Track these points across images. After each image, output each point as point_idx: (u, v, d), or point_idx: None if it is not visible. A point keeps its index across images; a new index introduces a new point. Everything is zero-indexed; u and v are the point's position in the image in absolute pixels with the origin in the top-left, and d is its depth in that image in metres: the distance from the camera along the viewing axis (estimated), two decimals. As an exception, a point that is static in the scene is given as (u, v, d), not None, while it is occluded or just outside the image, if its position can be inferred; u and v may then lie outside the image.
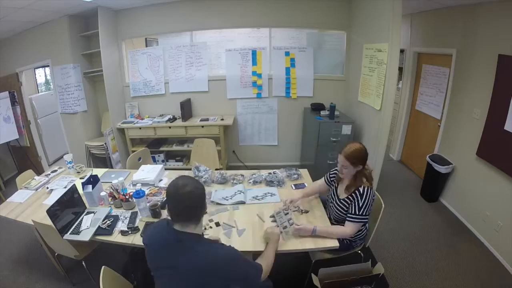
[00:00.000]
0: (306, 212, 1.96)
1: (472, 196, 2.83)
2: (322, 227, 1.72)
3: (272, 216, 1.89)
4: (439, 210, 3.19)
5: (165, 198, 2.13)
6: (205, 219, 1.89)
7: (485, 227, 2.64)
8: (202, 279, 1.15)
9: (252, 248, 1.65)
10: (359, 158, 1.71)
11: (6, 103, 3.82)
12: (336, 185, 1.95)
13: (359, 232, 1.85)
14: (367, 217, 1.71)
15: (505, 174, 2.36)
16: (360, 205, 1.68)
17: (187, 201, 1.16)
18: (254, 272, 1.31)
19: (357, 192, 1.72)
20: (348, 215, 1.73)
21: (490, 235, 2.58)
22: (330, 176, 2.05)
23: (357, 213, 1.69)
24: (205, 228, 1.82)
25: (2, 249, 2.72)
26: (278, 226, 1.76)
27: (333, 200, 1.91)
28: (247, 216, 1.94)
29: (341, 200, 1.83)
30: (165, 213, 1.98)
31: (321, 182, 2.12)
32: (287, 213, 1.84)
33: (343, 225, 1.78)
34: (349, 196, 1.77)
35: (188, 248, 1.17)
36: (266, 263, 1.41)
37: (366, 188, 1.70)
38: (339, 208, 1.83)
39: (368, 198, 1.69)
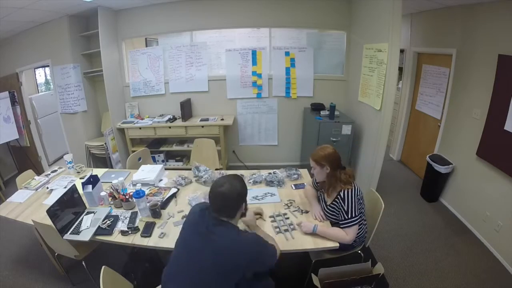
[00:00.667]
0: (306, 212, 1.96)
1: (472, 196, 2.83)
2: (322, 227, 1.74)
3: (272, 217, 1.90)
4: (439, 210, 3.19)
5: (164, 199, 2.14)
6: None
7: (485, 227, 2.64)
8: (223, 257, 1.24)
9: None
10: (324, 159, 1.74)
11: (6, 103, 3.82)
12: (324, 192, 1.95)
13: (358, 232, 1.85)
14: (358, 217, 1.70)
15: (505, 174, 2.36)
16: (346, 209, 1.70)
17: (219, 200, 1.30)
18: (270, 254, 1.39)
19: (339, 197, 1.75)
20: (341, 223, 1.74)
21: (490, 235, 2.58)
22: (316, 181, 2.00)
23: (346, 218, 1.70)
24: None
25: (2, 249, 2.72)
26: (277, 228, 1.79)
27: (323, 206, 1.92)
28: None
29: (328, 206, 1.84)
30: (165, 213, 1.99)
31: (310, 188, 2.10)
32: (288, 218, 1.88)
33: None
34: (333, 202, 1.79)
35: (218, 230, 1.29)
36: (272, 241, 1.50)
37: (346, 192, 1.71)
38: (328, 214, 1.85)
39: (352, 200, 1.70)
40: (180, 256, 1.36)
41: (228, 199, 1.30)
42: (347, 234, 1.69)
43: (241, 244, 1.29)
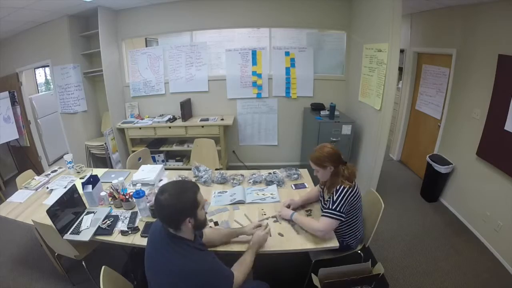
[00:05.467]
0: (309, 211, 1.96)
1: (472, 196, 2.83)
2: (300, 216, 1.78)
3: (274, 217, 1.90)
4: (439, 210, 3.19)
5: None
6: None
7: (485, 227, 2.64)
8: (172, 283, 1.18)
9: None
10: (326, 160, 1.71)
11: (6, 103, 3.82)
12: (323, 188, 1.94)
13: (353, 233, 1.86)
14: (340, 214, 1.66)
15: (505, 174, 2.36)
16: (335, 199, 1.67)
17: (157, 209, 1.20)
18: (225, 283, 1.27)
19: (334, 191, 1.72)
20: (323, 210, 1.73)
21: (490, 235, 2.58)
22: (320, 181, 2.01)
23: (330, 207, 1.67)
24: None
25: (2, 249, 2.72)
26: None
27: (321, 202, 1.92)
28: (247, 216, 1.94)
29: (325, 201, 1.82)
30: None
31: (317, 187, 2.11)
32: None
33: (338, 227, 1.79)
34: (330, 196, 1.76)
35: (166, 249, 1.22)
36: (242, 269, 1.39)
37: (343, 187, 1.69)
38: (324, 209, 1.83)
39: (344, 195, 1.67)
40: (148, 276, 1.31)
41: (165, 211, 1.17)
42: (320, 223, 1.66)
43: (188, 263, 1.19)
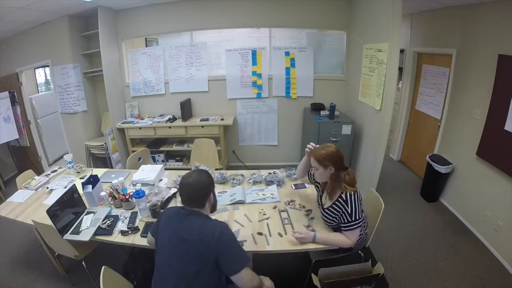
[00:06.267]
0: (309, 211, 1.96)
1: (472, 196, 2.83)
2: (322, 235, 1.69)
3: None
4: (439, 210, 3.19)
5: (164, 198, 2.14)
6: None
7: (485, 227, 2.64)
8: (195, 246, 1.29)
9: (252, 248, 1.65)
10: (328, 160, 1.66)
11: (6, 103, 3.82)
12: (321, 194, 1.89)
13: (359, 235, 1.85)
14: (360, 220, 1.65)
15: (505, 174, 2.36)
16: (349, 211, 1.63)
17: (187, 190, 1.38)
18: (239, 255, 1.34)
19: (340, 200, 1.66)
20: (342, 226, 1.68)
21: (490, 235, 2.58)
22: (314, 181, 1.95)
23: (350, 220, 1.63)
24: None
25: (2, 249, 2.72)
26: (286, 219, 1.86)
27: (319, 208, 1.87)
28: (247, 216, 1.94)
29: (326, 210, 1.76)
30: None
31: (305, 174, 2.07)
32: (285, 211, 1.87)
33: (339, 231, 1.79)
34: (333, 205, 1.71)
35: (190, 219, 1.36)
36: (255, 278, 1.38)
37: (348, 194, 1.64)
38: (325, 218, 1.79)
39: (355, 203, 1.63)
40: (163, 258, 1.39)
41: (195, 189, 1.37)
42: (349, 238, 1.65)
43: (208, 226, 1.33)
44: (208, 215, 1.45)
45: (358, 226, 1.65)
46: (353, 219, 1.63)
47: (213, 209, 1.52)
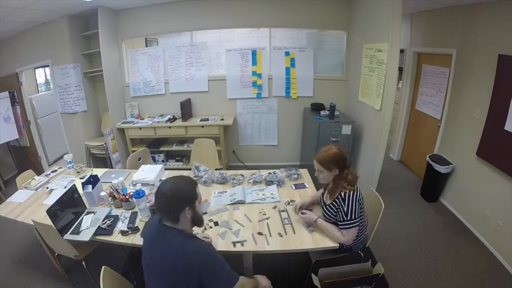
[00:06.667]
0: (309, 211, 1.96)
1: (472, 196, 2.83)
2: (322, 222, 1.74)
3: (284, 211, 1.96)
4: (439, 210, 3.19)
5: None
6: (205, 219, 1.88)
7: (485, 227, 2.64)
8: (173, 272, 1.17)
9: (252, 248, 1.65)
10: (333, 162, 1.67)
11: (6, 103, 3.82)
12: (324, 191, 1.91)
13: (357, 237, 1.85)
14: (357, 220, 1.66)
15: (505, 174, 2.36)
16: (346, 210, 1.65)
17: (159, 199, 1.23)
18: (226, 278, 1.23)
19: (339, 197, 1.69)
20: (339, 223, 1.70)
21: (490, 235, 2.58)
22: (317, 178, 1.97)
23: (345, 219, 1.65)
24: (205, 228, 1.82)
25: (2, 249, 2.72)
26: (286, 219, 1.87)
27: (322, 206, 1.90)
28: (247, 216, 1.94)
29: (327, 206, 1.79)
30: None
31: (320, 191, 2.08)
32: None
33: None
34: (333, 202, 1.74)
35: (168, 237, 1.22)
36: (248, 284, 1.36)
37: (347, 194, 1.66)
38: (326, 214, 1.81)
39: (352, 202, 1.65)
40: (146, 274, 1.31)
41: (168, 198, 1.21)
42: (343, 235, 1.66)
43: (187, 251, 1.18)
44: (187, 231, 1.28)
45: (354, 226, 1.66)
46: (348, 218, 1.65)
47: (197, 225, 1.33)
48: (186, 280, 1.16)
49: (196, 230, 1.55)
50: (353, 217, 1.65)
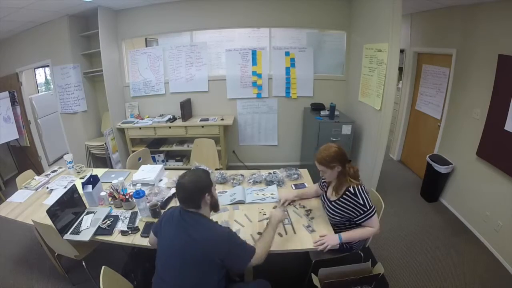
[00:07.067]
0: (309, 211, 1.96)
1: (472, 196, 2.83)
2: (346, 234, 1.72)
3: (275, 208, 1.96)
4: (439, 210, 3.19)
5: (164, 198, 2.14)
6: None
7: (485, 227, 2.64)
8: (196, 249, 1.30)
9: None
10: (334, 160, 1.68)
11: (6, 103, 3.82)
12: (326, 189, 1.93)
13: None
14: (373, 207, 1.70)
15: (505, 174, 2.36)
16: (362, 202, 1.67)
17: (181, 190, 1.38)
18: (245, 254, 1.38)
19: (348, 193, 1.70)
20: (359, 218, 1.70)
21: (490, 235, 2.58)
22: (322, 180, 2.01)
23: (365, 210, 1.68)
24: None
25: (2, 249, 2.72)
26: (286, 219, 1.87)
27: (325, 204, 1.90)
28: (247, 216, 1.94)
29: (332, 203, 1.80)
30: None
31: (316, 186, 2.12)
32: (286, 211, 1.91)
33: (342, 227, 1.82)
34: (341, 198, 1.74)
35: (194, 220, 1.36)
36: (262, 245, 1.46)
37: (356, 188, 1.69)
38: (331, 211, 1.81)
39: (363, 194, 1.68)
40: (165, 257, 1.39)
41: (188, 189, 1.36)
42: (372, 226, 1.69)
43: (212, 230, 1.35)
44: (208, 216, 1.44)
45: (374, 213, 1.69)
46: (367, 208, 1.68)
47: (214, 209, 1.51)
48: (210, 255, 1.29)
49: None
50: (370, 206, 1.68)
